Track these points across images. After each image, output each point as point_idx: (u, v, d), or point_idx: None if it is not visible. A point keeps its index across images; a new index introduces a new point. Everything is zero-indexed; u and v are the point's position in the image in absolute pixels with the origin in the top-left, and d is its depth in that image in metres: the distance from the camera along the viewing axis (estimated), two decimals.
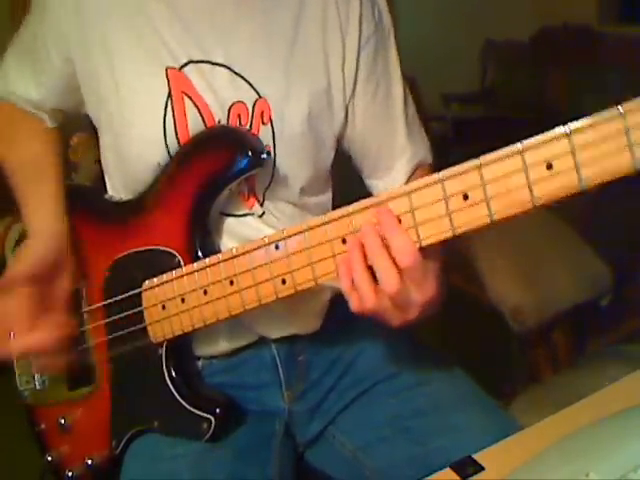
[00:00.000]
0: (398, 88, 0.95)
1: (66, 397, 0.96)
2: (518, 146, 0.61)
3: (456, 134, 4.14)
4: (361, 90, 0.91)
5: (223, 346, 0.93)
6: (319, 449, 0.98)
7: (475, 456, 0.72)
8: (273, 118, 0.86)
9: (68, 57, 0.90)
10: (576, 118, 0.58)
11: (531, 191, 0.61)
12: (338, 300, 0.89)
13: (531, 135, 0.61)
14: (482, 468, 0.70)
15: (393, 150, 0.96)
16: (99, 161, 0.97)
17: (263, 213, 0.89)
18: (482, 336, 1.90)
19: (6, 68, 0.98)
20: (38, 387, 0.98)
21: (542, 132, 0.60)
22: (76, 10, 0.86)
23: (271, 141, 0.86)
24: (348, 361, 0.98)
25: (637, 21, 3.98)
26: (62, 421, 0.96)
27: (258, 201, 0.88)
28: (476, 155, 0.65)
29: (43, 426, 0.99)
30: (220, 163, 0.83)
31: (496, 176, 0.63)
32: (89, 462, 0.93)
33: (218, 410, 0.86)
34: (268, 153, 0.82)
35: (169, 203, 0.85)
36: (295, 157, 0.88)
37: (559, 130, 0.59)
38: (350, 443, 0.94)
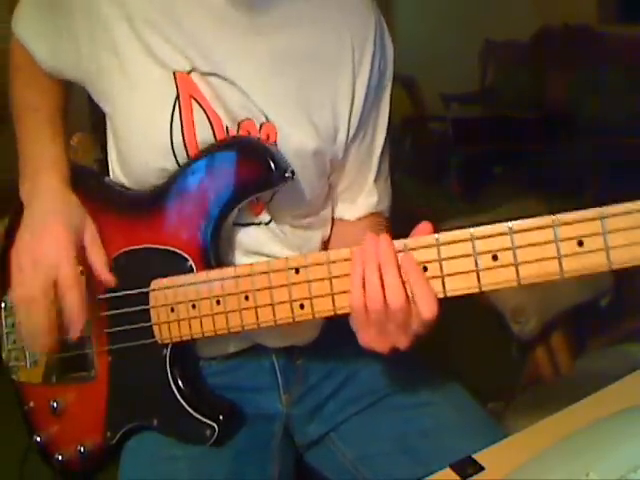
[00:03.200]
0: (381, 137, 0.96)
1: (59, 381, 0.95)
2: (552, 218, 0.64)
3: (456, 134, 4.14)
4: (356, 132, 0.92)
5: (222, 348, 0.92)
6: (319, 452, 0.98)
7: (475, 456, 0.72)
8: (279, 144, 0.86)
9: (76, 48, 0.89)
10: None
11: (560, 264, 0.64)
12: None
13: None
14: (482, 468, 0.71)
15: (361, 189, 0.97)
16: (99, 161, 0.97)
17: (269, 221, 0.89)
18: (482, 337, 1.90)
19: (23, 12, 0.95)
20: (29, 365, 0.96)
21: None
22: (89, 15, 0.86)
23: None
24: (349, 369, 0.97)
25: (637, 21, 3.97)
26: (54, 404, 0.94)
27: (266, 210, 0.88)
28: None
29: (32, 405, 0.98)
30: (247, 175, 0.83)
31: (527, 243, 0.65)
32: (81, 449, 0.92)
33: (221, 417, 0.86)
34: (292, 172, 0.82)
35: (188, 205, 0.85)
36: (297, 184, 0.87)
37: (593, 211, 0.62)
38: (350, 453, 0.94)
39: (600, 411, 0.68)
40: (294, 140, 0.86)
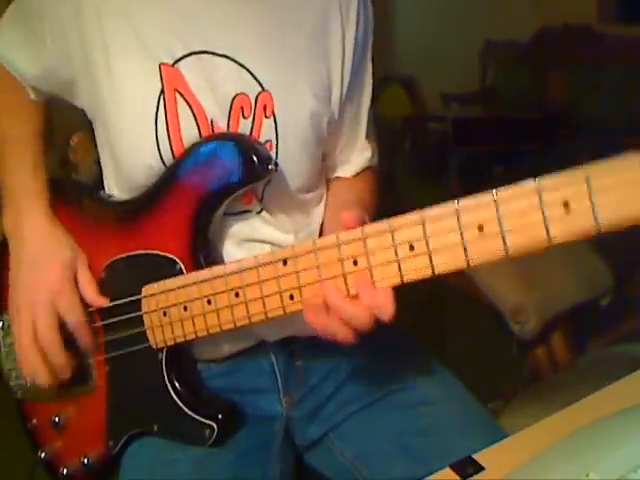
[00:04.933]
0: (368, 92, 0.98)
1: (60, 395, 0.95)
2: (536, 183, 0.61)
3: (456, 134, 4.14)
4: (348, 90, 0.93)
5: (221, 350, 0.92)
6: (318, 453, 0.97)
7: (475, 456, 0.72)
8: (276, 112, 0.86)
9: (65, 50, 0.88)
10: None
11: (547, 229, 0.61)
12: None
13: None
14: (482, 468, 0.70)
15: (354, 147, 0.99)
16: (99, 161, 0.97)
17: (261, 210, 0.89)
18: (482, 336, 1.90)
19: (0, 26, 0.95)
20: (28, 384, 0.96)
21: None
22: (76, 8, 0.85)
23: (274, 135, 0.86)
24: (348, 369, 0.97)
25: (637, 21, 3.98)
26: (56, 419, 0.95)
27: (257, 197, 0.88)
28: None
29: (35, 422, 0.99)
30: (228, 172, 0.82)
31: (512, 211, 0.63)
32: (85, 461, 0.93)
33: (220, 416, 0.86)
34: (276, 164, 0.82)
35: (171, 208, 0.85)
36: (297, 152, 0.88)
37: (578, 171, 0.59)
38: (349, 452, 0.94)
39: (600, 411, 0.68)
40: (292, 105, 0.87)
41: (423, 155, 4.41)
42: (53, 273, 0.89)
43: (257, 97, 0.85)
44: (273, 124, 0.86)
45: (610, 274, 1.81)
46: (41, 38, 0.89)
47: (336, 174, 1.00)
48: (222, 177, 0.83)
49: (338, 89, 0.91)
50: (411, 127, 4.41)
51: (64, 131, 1.03)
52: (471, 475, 0.70)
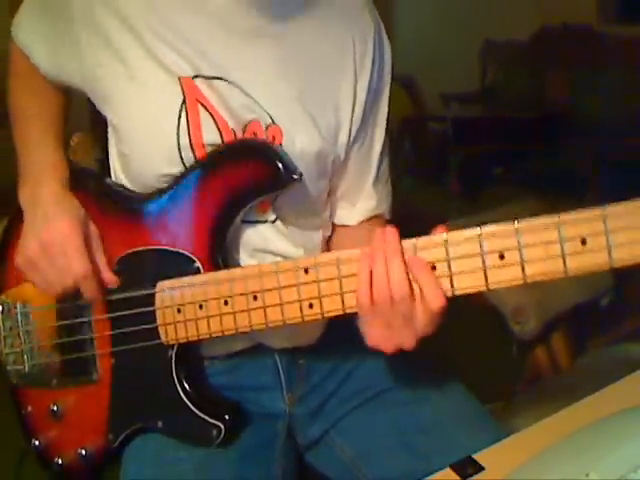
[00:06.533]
0: (380, 140, 0.97)
1: (60, 384, 0.94)
2: (556, 217, 0.65)
3: (456, 134, 4.14)
4: (357, 134, 0.93)
5: (225, 347, 0.92)
6: (319, 452, 0.98)
7: (475, 456, 0.72)
8: (284, 145, 0.86)
9: (77, 52, 0.88)
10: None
11: (565, 263, 0.66)
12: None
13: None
14: (482, 468, 0.71)
15: (360, 193, 0.98)
16: (99, 161, 0.97)
17: (275, 219, 0.89)
18: (482, 337, 1.90)
19: (23, 19, 0.96)
20: (27, 369, 0.96)
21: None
22: (88, 26, 0.86)
23: None
24: (350, 367, 0.98)
25: (637, 21, 3.98)
26: (54, 408, 0.94)
27: (272, 207, 0.88)
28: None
29: (30, 409, 0.98)
30: (254, 177, 0.83)
31: (532, 242, 0.67)
32: (82, 452, 0.92)
33: (227, 417, 0.85)
34: (300, 174, 0.82)
35: (195, 207, 0.85)
36: (299, 185, 0.87)
37: (595, 210, 0.64)
38: (350, 449, 0.94)
39: (600, 411, 0.68)
40: (299, 142, 0.87)
41: (423, 155, 4.41)
42: (65, 224, 0.88)
43: (267, 127, 0.86)
44: None
45: (610, 274, 1.81)
46: (61, 37, 0.90)
47: (339, 220, 0.98)
48: (246, 182, 0.83)
49: (346, 133, 0.91)
50: (411, 127, 4.42)
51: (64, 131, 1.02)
52: (471, 475, 0.70)
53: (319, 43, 0.89)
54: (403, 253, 0.72)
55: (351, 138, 0.92)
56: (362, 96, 0.91)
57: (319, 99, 0.89)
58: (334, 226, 0.99)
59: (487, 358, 1.90)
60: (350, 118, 0.91)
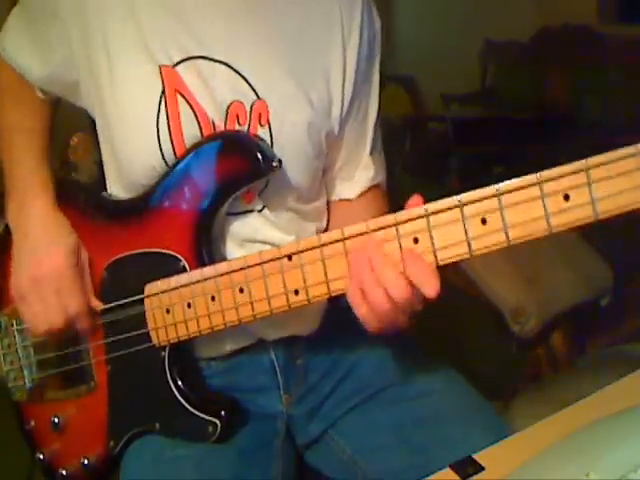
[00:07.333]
0: (374, 109, 0.97)
1: (59, 396, 0.95)
2: (537, 176, 0.64)
3: (456, 134, 4.13)
4: (350, 105, 0.92)
5: (221, 348, 0.92)
6: (318, 451, 0.98)
7: (475, 456, 0.72)
8: (271, 121, 0.86)
9: (69, 54, 0.89)
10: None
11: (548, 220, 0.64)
12: (335, 301, 0.89)
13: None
14: (482, 468, 0.70)
15: (357, 163, 0.97)
16: (99, 161, 0.97)
17: (262, 208, 0.88)
18: (482, 337, 1.90)
19: (7, 32, 0.95)
20: (28, 385, 0.97)
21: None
22: (80, 10, 0.86)
23: (269, 143, 0.86)
24: (348, 365, 0.98)
25: (637, 21, 3.98)
26: (55, 420, 0.95)
27: (258, 197, 0.88)
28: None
29: (33, 424, 0.99)
30: (233, 169, 0.83)
31: (515, 202, 0.65)
32: (85, 461, 0.93)
33: (223, 413, 0.86)
34: (280, 161, 0.82)
35: (175, 206, 0.85)
36: (293, 162, 0.87)
37: (577, 164, 0.63)
38: (349, 447, 0.94)
39: (600, 411, 0.68)
40: (287, 115, 0.86)
41: (423, 155, 4.40)
42: (57, 258, 0.89)
43: (252, 105, 0.85)
44: (268, 133, 0.86)
45: (610, 274, 1.81)
46: (48, 42, 0.90)
47: (339, 196, 0.98)
48: (226, 174, 0.83)
49: (338, 107, 0.91)
50: (411, 127, 4.41)
51: (64, 131, 1.03)
52: (471, 475, 0.70)
53: (305, 15, 0.89)
54: (386, 258, 0.71)
55: (344, 109, 0.91)
56: (352, 64, 0.90)
57: (308, 71, 0.88)
58: (334, 204, 0.99)
59: (487, 358, 1.90)
60: (341, 88, 0.90)
